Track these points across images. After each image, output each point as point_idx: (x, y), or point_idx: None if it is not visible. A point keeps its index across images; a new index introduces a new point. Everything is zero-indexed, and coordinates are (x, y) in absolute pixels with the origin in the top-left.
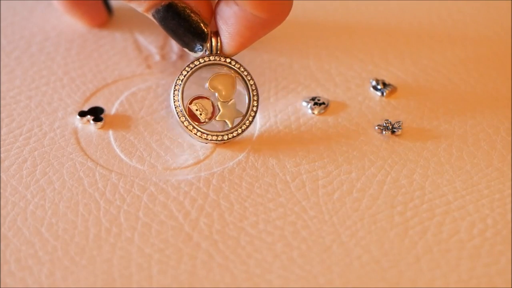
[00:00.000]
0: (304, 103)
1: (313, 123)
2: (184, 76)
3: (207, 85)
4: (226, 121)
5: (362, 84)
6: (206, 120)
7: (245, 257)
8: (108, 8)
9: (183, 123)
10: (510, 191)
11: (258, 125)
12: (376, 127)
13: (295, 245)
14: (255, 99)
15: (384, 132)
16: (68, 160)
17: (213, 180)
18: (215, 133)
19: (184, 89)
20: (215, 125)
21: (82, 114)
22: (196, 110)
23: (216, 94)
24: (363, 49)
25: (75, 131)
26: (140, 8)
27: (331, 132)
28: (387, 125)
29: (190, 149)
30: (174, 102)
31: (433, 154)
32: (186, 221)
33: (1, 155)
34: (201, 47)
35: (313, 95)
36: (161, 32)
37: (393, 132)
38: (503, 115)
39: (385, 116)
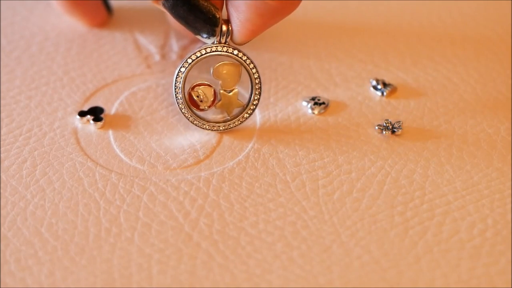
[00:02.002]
0: (304, 103)
1: (313, 123)
2: (189, 64)
3: (211, 72)
4: (226, 110)
5: (362, 84)
6: (206, 107)
7: (245, 257)
8: (108, 8)
9: (181, 110)
10: (510, 191)
11: (258, 124)
12: (376, 127)
13: (295, 245)
14: (257, 93)
15: (384, 132)
16: (68, 160)
17: (213, 180)
18: (212, 123)
19: (188, 75)
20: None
21: (82, 114)
22: (197, 96)
23: (220, 82)
24: (363, 49)
25: (75, 131)
26: None
27: (331, 132)
28: (387, 125)
29: (190, 148)
30: (175, 89)
31: (433, 154)
32: (186, 221)
33: (1, 155)
34: (213, 32)
35: (313, 95)
36: (161, 31)
37: (393, 132)
38: (503, 115)
39: (385, 116)
